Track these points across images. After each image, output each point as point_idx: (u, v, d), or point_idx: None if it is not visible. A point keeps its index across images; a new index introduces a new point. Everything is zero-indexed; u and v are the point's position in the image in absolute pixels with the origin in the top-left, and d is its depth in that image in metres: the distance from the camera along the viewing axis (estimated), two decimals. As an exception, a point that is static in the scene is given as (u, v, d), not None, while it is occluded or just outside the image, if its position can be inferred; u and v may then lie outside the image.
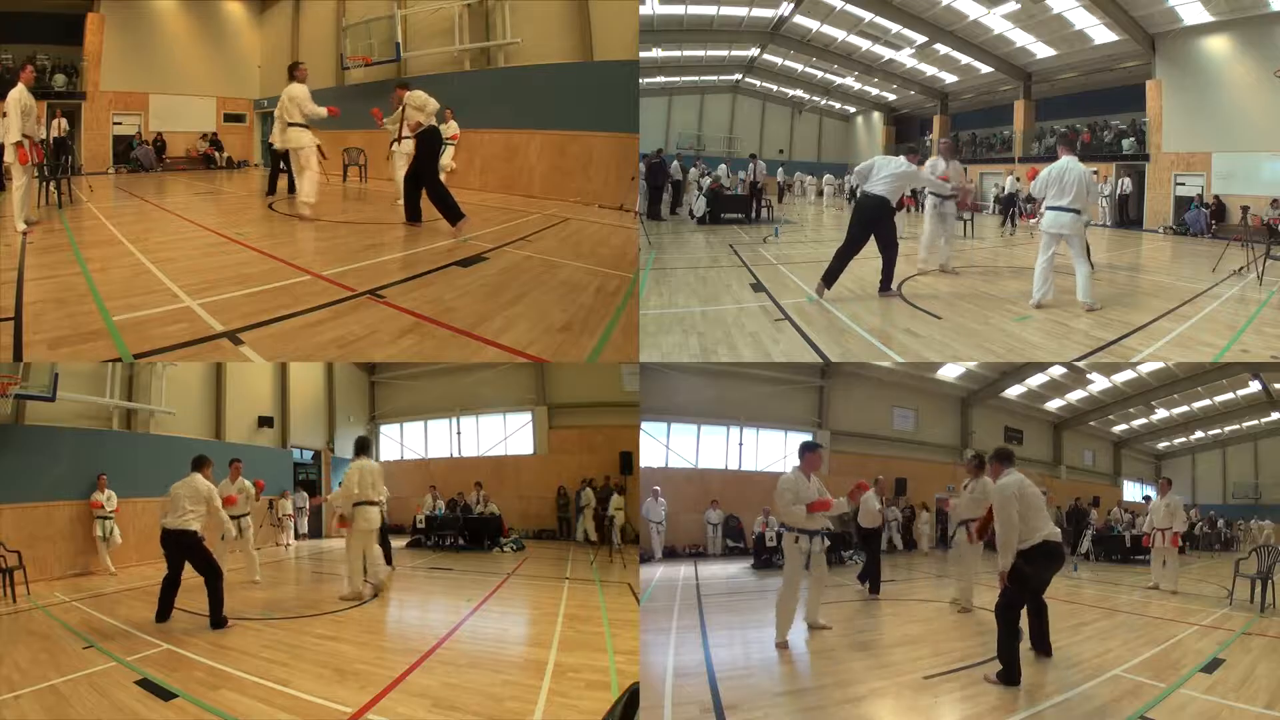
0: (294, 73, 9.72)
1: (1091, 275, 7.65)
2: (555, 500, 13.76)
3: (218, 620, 6.11)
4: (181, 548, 6.38)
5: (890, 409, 15.51)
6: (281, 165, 11.56)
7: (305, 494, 13.89)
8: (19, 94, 7.90)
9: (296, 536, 13.46)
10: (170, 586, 6.38)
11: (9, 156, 7.96)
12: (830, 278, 7.91)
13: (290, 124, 9.57)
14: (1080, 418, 18.15)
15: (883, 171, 7.75)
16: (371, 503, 7.45)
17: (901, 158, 7.93)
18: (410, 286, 6.69)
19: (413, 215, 9.17)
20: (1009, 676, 4.74)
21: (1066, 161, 7.27)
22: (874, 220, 7.82)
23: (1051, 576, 5.19)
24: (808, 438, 14.43)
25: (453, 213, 8.73)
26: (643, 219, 11.34)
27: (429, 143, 9.06)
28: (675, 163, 15.13)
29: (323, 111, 9.51)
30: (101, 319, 5.45)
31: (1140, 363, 7.59)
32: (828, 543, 5.89)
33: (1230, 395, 16.80)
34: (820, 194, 19.31)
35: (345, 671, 4.97)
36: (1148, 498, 13.11)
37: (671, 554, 12.18)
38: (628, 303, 6.62)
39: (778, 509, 5.93)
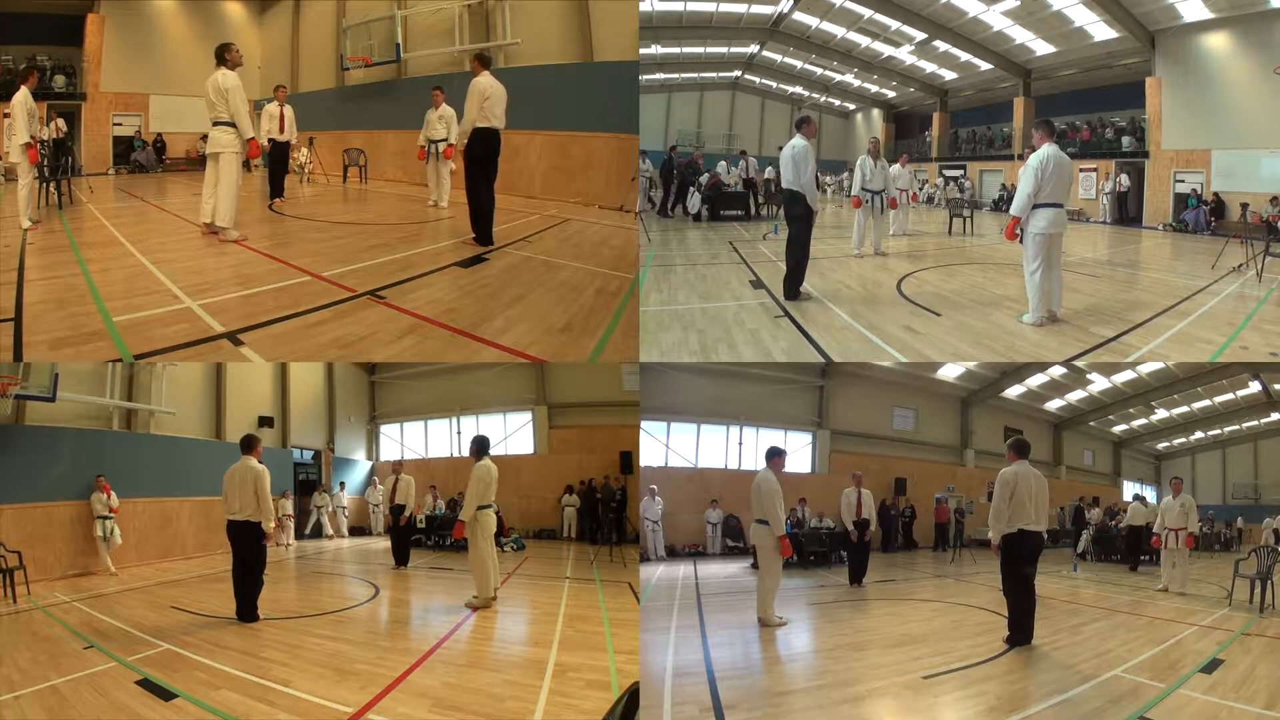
0: (225, 56, 7.71)
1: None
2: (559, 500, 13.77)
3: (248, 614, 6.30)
4: (232, 539, 6.48)
5: (890, 409, 15.49)
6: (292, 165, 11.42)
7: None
8: (24, 97, 8.00)
9: (299, 537, 13.53)
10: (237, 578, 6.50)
11: (15, 156, 8.09)
12: (792, 283, 7.72)
13: (216, 122, 7.80)
14: (1080, 418, 18.14)
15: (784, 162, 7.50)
16: (489, 506, 7.14)
17: (798, 136, 7.48)
18: (411, 287, 6.69)
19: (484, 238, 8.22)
20: (1015, 639, 5.64)
21: (1053, 150, 6.55)
22: (787, 216, 7.71)
23: (1030, 562, 5.76)
24: (808, 437, 14.46)
25: (485, 234, 8.22)
26: (643, 217, 11.33)
27: (488, 146, 7.96)
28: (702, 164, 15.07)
29: (247, 123, 7.80)
30: (102, 320, 5.45)
31: (1140, 360, 7.53)
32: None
33: (1230, 395, 16.79)
34: (822, 191, 19.32)
35: (345, 671, 4.97)
36: (1140, 498, 13.12)
37: (671, 553, 12.19)
38: (628, 303, 6.63)
39: (769, 508, 6.28)
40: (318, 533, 14.18)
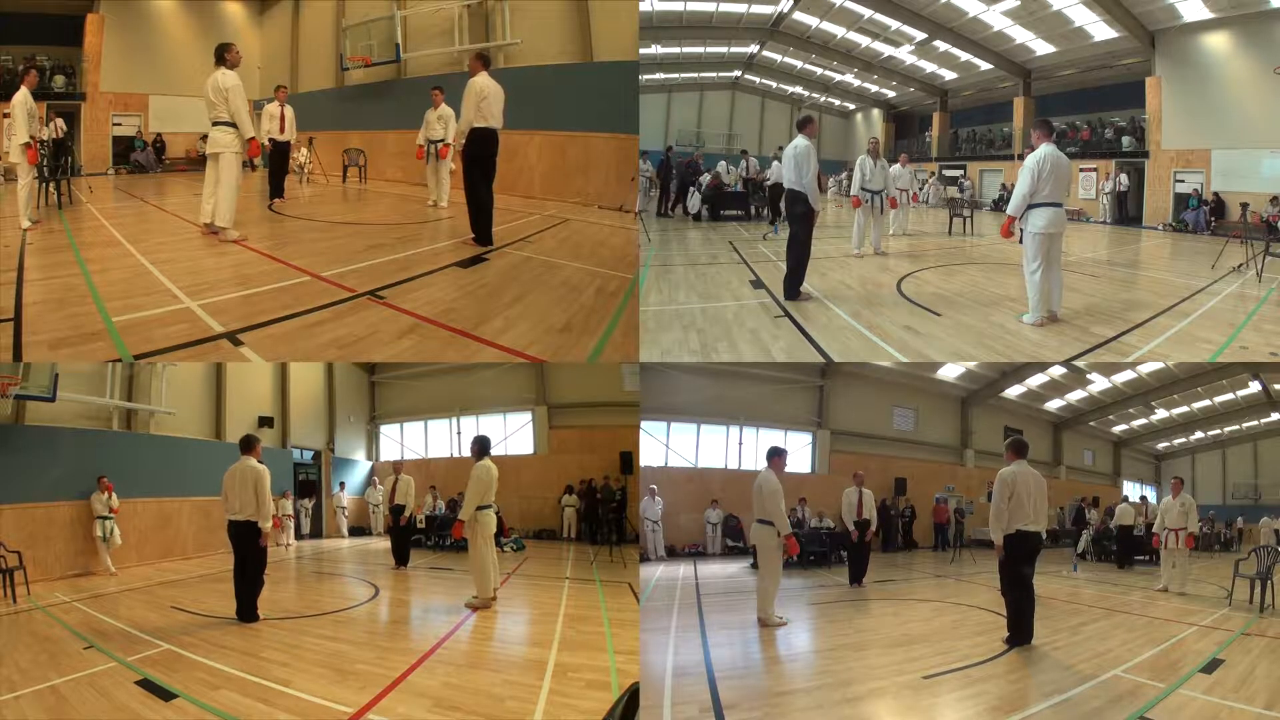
0: (225, 56, 7.71)
1: None
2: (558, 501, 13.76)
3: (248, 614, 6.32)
4: (233, 539, 6.49)
5: (890, 409, 15.49)
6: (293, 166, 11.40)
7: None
8: (23, 97, 8.03)
9: (298, 536, 13.52)
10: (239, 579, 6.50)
11: (15, 156, 8.12)
12: (792, 283, 7.71)
13: (216, 122, 7.79)
14: (1080, 418, 18.12)
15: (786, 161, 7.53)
16: (489, 506, 7.11)
17: (799, 136, 7.50)
18: (410, 287, 6.69)
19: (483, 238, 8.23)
20: (1015, 639, 5.65)
21: (1050, 150, 6.57)
22: (788, 215, 7.69)
23: (1028, 562, 5.78)
24: (808, 437, 14.45)
25: (485, 234, 8.23)
26: (643, 217, 11.33)
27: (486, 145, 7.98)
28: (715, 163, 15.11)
29: (247, 123, 7.81)
30: (101, 320, 5.45)
31: (1140, 360, 7.52)
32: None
33: (1230, 396, 16.78)
34: (823, 190, 19.32)
35: (345, 671, 4.97)
36: (1140, 498, 13.14)
37: (671, 553, 12.19)
38: (627, 303, 6.63)
39: (771, 508, 6.26)
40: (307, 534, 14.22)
